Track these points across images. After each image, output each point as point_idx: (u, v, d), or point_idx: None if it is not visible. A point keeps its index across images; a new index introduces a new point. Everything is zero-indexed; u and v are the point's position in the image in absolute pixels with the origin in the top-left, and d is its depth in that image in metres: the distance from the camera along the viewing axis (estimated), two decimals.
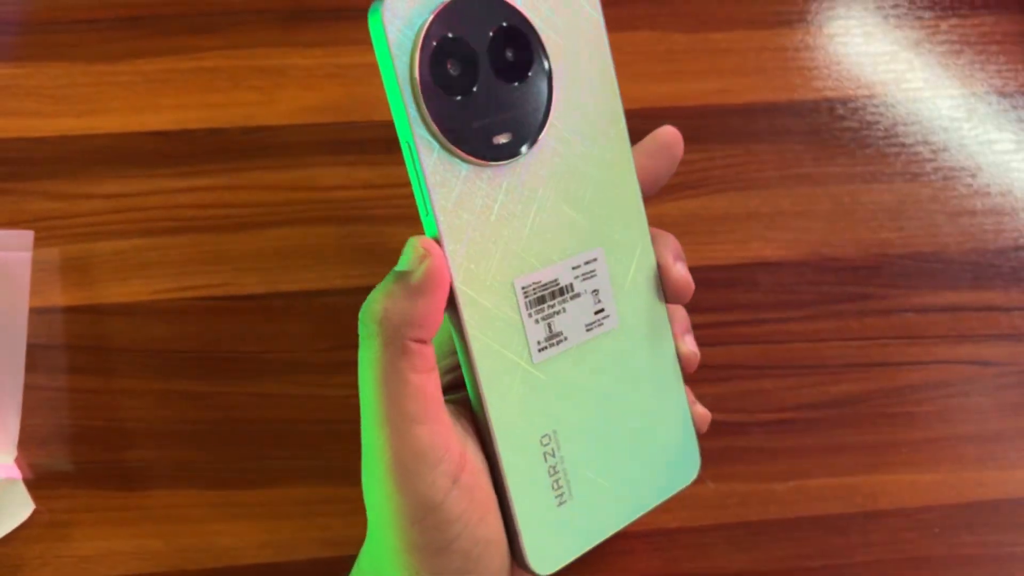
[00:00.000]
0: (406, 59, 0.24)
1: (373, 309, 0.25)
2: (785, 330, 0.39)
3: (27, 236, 0.37)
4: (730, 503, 0.37)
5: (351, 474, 0.36)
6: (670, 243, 0.30)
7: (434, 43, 0.24)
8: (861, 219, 0.41)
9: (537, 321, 0.27)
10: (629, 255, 0.29)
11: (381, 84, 0.40)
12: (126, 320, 0.37)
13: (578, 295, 0.28)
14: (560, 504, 0.28)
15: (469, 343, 0.26)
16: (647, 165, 0.30)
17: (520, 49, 0.26)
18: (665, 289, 0.30)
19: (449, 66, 0.25)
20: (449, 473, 0.26)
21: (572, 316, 0.28)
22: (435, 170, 0.25)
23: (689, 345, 0.31)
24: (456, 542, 0.26)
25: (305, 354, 0.38)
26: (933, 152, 0.42)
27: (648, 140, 0.30)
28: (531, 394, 0.27)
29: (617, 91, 0.28)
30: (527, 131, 0.26)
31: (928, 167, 0.42)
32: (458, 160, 0.25)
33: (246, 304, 0.38)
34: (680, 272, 0.30)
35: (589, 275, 0.28)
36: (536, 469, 0.28)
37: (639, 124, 0.41)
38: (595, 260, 0.28)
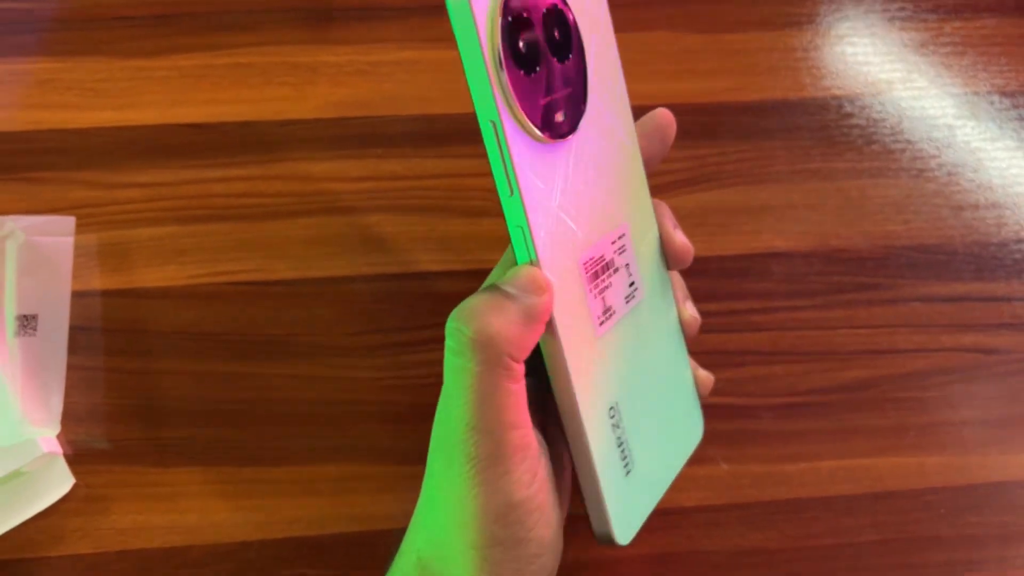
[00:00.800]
0: (488, 37, 0.24)
1: (483, 328, 0.25)
2: (796, 318, 0.40)
3: (69, 222, 0.38)
4: (743, 483, 0.38)
5: (377, 453, 0.38)
6: (666, 211, 0.32)
7: (509, 20, 0.24)
8: (868, 212, 0.42)
9: (595, 296, 0.28)
10: (644, 228, 0.31)
11: (405, 81, 0.42)
12: (162, 303, 0.39)
13: (617, 269, 0.29)
14: (627, 474, 0.29)
15: (555, 323, 0.26)
16: (643, 145, 0.31)
17: (565, 29, 0.27)
18: (668, 256, 0.32)
19: (520, 45, 0.25)
20: (532, 469, 0.27)
21: (616, 290, 0.29)
22: (519, 149, 0.25)
23: (691, 310, 0.33)
24: (534, 530, 0.27)
25: (333, 337, 0.39)
26: (937, 149, 0.43)
27: (645, 120, 0.32)
28: (599, 368, 0.28)
29: (621, 72, 0.30)
30: (576, 110, 0.27)
31: (932, 163, 0.43)
32: (533, 138, 0.25)
33: (277, 289, 0.39)
34: (681, 238, 0.32)
35: (622, 250, 0.29)
36: (609, 442, 0.28)
37: None
38: (624, 235, 0.30)
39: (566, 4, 0.27)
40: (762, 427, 0.39)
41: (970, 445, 0.39)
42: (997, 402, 0.40)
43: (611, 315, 0.29)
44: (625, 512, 0.29)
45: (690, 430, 0.34)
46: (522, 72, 0.25)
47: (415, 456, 0.33)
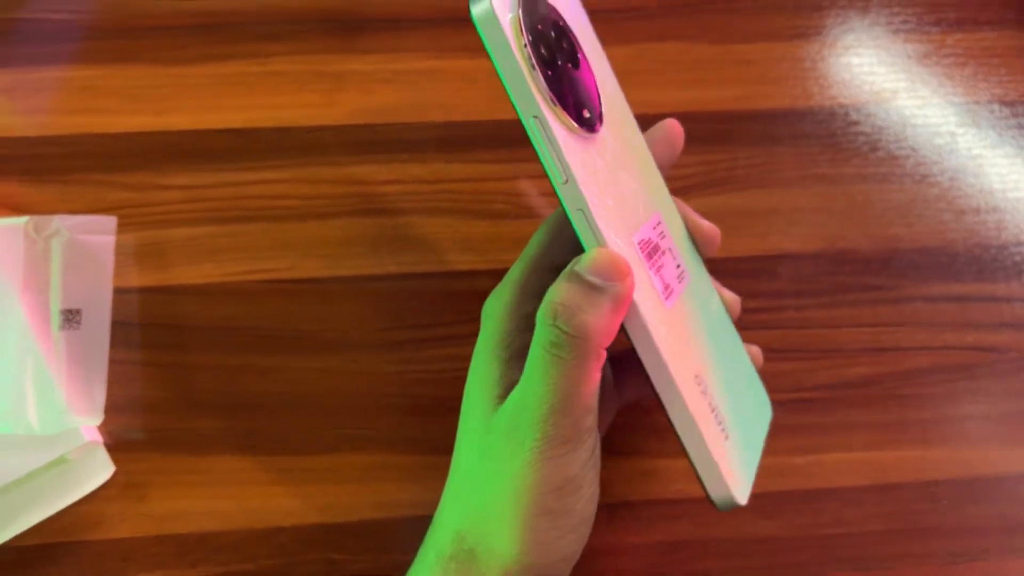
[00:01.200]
0: (517, 44, 0.26)
1: (581, 326, 0.27)
2: (803, 317, 0.42)
3: (111, 222, 0.40)
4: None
5: (402, 443, 0.39)
6: (683, 204, 0.34)
7: (532, 30, 0.27)
8: (873, 216, 0.44)
9: (654, 274, 0.30)
10: (672, 217, 0.33)
11: (429, 89, 0.44)
12: (198, 300, 0.40)
13: (664, 251, 0.31)
14: (726, 439, 0.30)
15: (635, 301, 0.28)
16: (653, 152, 0.33)
17: (568, 40, 0.29)
18: (698, 241, 0.33)
19: (542, 48, 0.27)
20: (591, 447, 0.29)
21: (668, 270, 0.30)
22: (565, 140, 0.27)
23: (729, 293, 0.35)
24: (580, 503, 0.29)
25: (361, 333, 0.41)
26: (940, 155, 0.45)
27: (655, 129, 0.34)
28: (676, 340, 0.29)
29: (615, 78, 0.32)
30: (595, 109, 0.29)
31: (935, 169, 0.45)
32: (570, 131, 0.27)
33: (308, 287, 0.41)
34: (707, 223, 0.34)
35: (663, 235, 0.31)
36: (705, 408, 0.29)
37: None
38: (660, 222, 0.31)
39: (565, 21, 0.29)
40: (771, 421, 0.40)
41: (971, 439, 0.41)
42: (997, 398, 0.41)
43: (671, 292, 0.30)
44: (736, 472, 0.30)
45: (762, 404, 0.35)
46: (549, 72, 0.27)
47: (439, 446, 0.35)
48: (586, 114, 0.28)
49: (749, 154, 0.44)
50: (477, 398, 0.31)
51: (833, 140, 0.45)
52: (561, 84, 0.27)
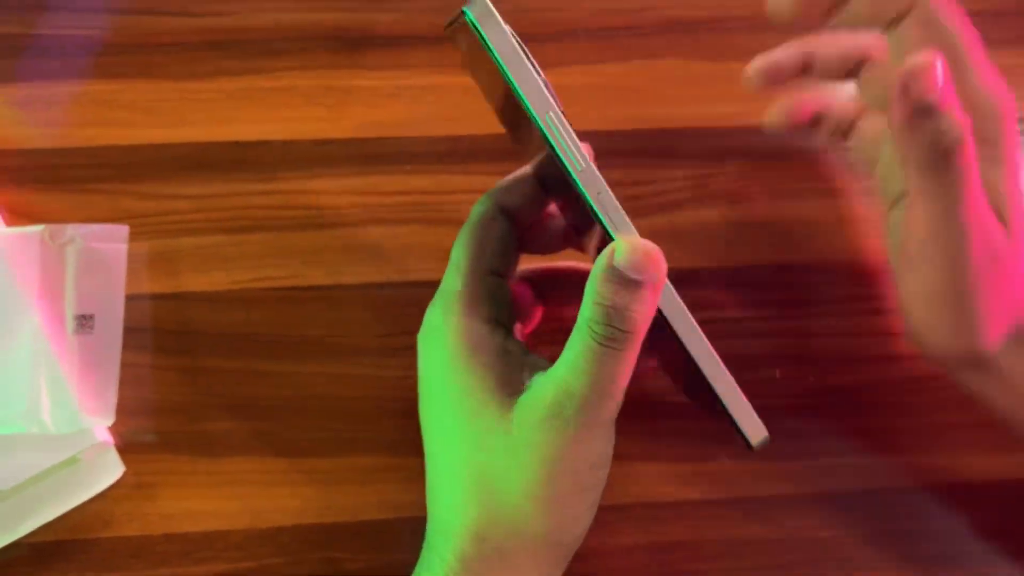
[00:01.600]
0: (524, 54, 0.28)
1: (636, 324, 0.29)
2: (794, 326, 0.43)
3: (123, 230, 0.41)
4: (744, 479, 0.41)
5: (404, 446, 0.40)
6: None
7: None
8: (863, 228, 0.45)
9: None
10: None
11: (432, 103, 0.45)
12: (207, 306, 0.42)
13: None
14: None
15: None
16: None
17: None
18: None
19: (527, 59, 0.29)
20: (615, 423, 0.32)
21: None
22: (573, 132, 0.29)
23: None
24: (606, 473, 0.32)
25: (364, 339, 0.42)
26: None
27: None
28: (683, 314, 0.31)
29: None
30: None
31: None
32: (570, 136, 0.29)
33: (312, 294, 0.42)
34: None
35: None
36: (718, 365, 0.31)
37: (662, 142, 0.46)
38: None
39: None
40: None
41: (958, 446, 0.42)
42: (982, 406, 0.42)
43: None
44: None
45: None
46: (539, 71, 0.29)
47: None
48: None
49: (743, 169, 0.45)
50: (473, 406, 0.32)
51: (825, 155, 0.46)
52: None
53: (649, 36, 0.47)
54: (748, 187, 0.45)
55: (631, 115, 0.46)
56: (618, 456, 0.40)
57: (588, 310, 0.29)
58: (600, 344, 0.29)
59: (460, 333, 0.33)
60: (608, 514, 0.40)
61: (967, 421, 0.42)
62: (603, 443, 0.31)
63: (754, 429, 0.31)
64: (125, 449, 0.40)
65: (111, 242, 0.41)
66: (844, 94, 0.41)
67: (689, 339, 0.30)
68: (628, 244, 0.28)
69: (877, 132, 0.39)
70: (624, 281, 0.28)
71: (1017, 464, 0.41)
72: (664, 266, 0.29)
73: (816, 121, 0.41)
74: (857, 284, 0.44)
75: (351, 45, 0.46)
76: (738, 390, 0.31)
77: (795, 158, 0.46)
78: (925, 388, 0.42)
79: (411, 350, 0.41)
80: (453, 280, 0.34)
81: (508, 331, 0.34)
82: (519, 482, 0.31)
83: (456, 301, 0.34)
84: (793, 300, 0.44)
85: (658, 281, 0.29)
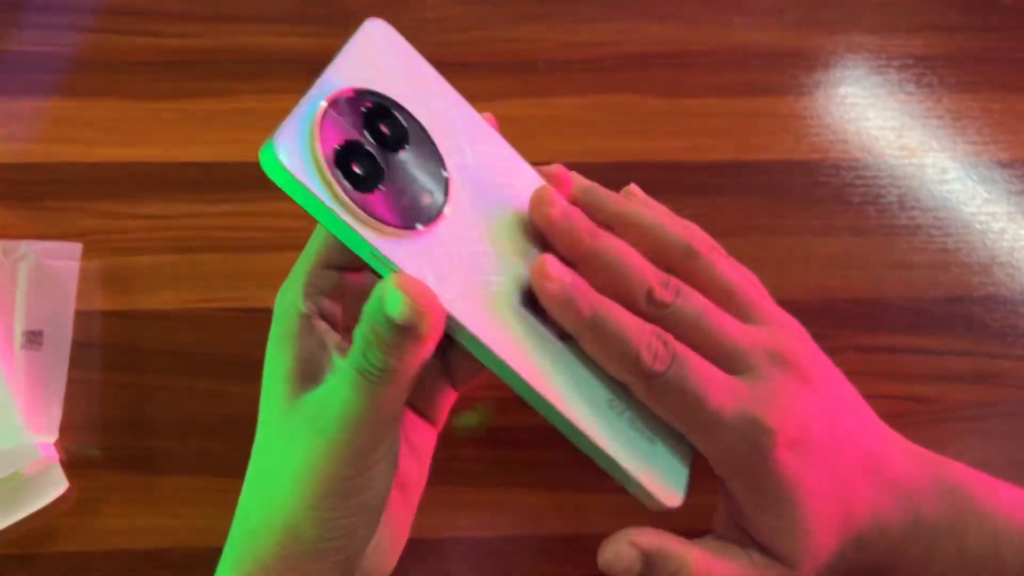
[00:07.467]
0: (321, 182, 0.27)
1: (387, 364, 0.27)
2: None
3: (76, 248, 0.42)
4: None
5: None
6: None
7: (334, 155, 0.27)
8: (811, 267, 0.45)
9: (545, 323, 0.30)
10: None
11: None
12: (158, 325, 0.42)
13: None
14: (652, 443, 0.31)
15: (512, 365, 0.29)
16: None
17: (389, 120, 0.29)
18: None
19: (355, 167, 0.27)
20: (388, 445, 0.30)
21: None
22: (396, 256, 0.27)
23: None
24: (369, 492, 0.30)
25: None
26: (878, 211, 0.47)
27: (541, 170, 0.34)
28: (576, 368, 0.30)
29: (478, 117, 0.32)
30: (439, 184, 0.30)
31: (872, 224, 0.46)
32: (407, 238, 0.28)
33: (264, 316, 0.42)
34: (550, 166, 0.34)
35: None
36: (618, 424, 0.30)
37: (617, 175, 0.46)
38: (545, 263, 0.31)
39: (384, 97, 0.29)
40: None
41: None
42: (923, 446, 0.43)
43: (566, 335, 0.30)
44: (662, 475, 0.31)
45: None
46: (368, 190, 0.27)
47: None
48: (426, 202, 0.29)
49: (693, 204, 0.46)
50: (275, 383, 0.32)
51: (774, 193, 0.46)
52: (388, 194, 0.28)
53: (606, 71, 0.48)
54: (699, 222, 0.45)
55: (586, 148, 0.46)
56: (551, 487, 0.41)
57: (356, 334, 0.28)
58: (355, 371, 0.28)
59: (288, 316, 0.32)
60: (550, 544, 0.40)
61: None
62: (363, 462, 0.29)
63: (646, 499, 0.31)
64: (70, 464, 0.40)
65: (64, 259, 0.42)
66: None
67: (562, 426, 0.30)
68: (395, 290, 0.26)
69: None
70: (387, 320, 0.27)
71: None
72: (435, 320, 0.27)
73: None
74: (812, 323, 0.44)
75: (311, 70, 0.46)
76: (620, 461, 0.30)
77: (748, 195, 0.46)
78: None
79: None
80: (301, 263, 0.33)
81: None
82: (281, 469, 0.30)
83: (295, 285, 0.33)
84: None
85: (425, 333, 0.27)
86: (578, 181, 0.34)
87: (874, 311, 0.45)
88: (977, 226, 0.47)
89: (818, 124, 0.48)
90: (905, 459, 0.35)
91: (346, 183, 0.27)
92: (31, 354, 0.40)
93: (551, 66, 0.48)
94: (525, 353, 0.30)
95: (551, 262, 0.29)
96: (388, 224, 0.27)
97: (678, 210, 0.46)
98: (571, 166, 0.46)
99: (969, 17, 0.52)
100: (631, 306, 0.30)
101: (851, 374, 0.43)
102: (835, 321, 0.45)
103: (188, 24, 0.47)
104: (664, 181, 0.46)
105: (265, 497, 0.32)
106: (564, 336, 0.31)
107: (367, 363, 0.27)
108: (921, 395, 0.44)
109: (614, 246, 0.31)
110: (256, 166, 0.45)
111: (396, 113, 0.29)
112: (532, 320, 0.30)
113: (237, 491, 0.40)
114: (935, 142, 0.48)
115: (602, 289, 0.30)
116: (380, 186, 0.28)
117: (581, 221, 0.31)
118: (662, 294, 0.31)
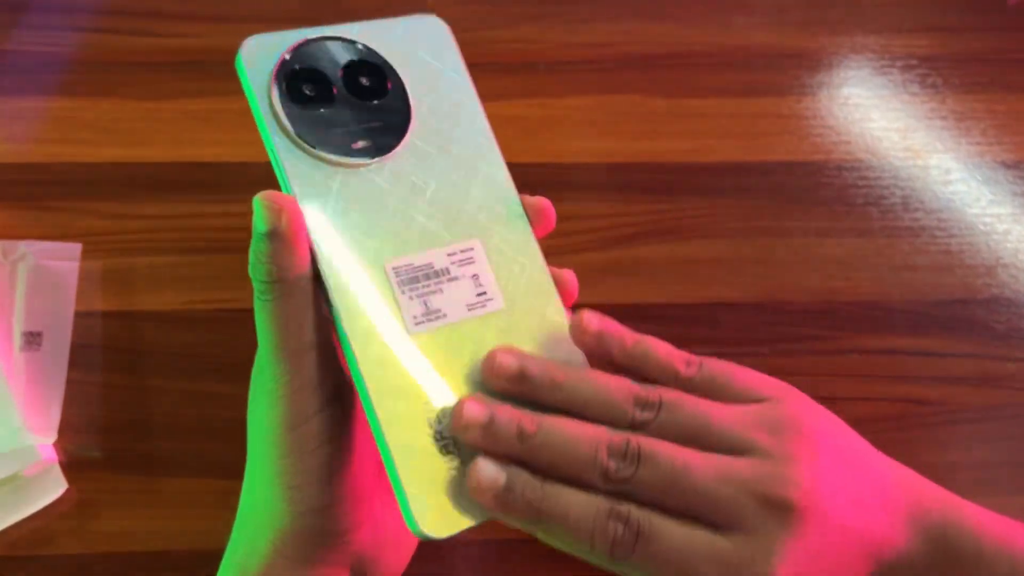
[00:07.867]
0: (263, 87, 0.31)
1: (268, 271, 0.29)
2: (756, 365, 0.43)
3: (75, 249, 0.42)
4: None
5: None
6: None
7: (290, 71, 0.31)
8: (814, 269, 0.45)
9: (412, 298, 0.30)
10: (512, 251, 0.32)
11: None
12: (158, 326, 0.42)
13: (455, 278, 0.31)
14: (453, 469, 0.29)
15: (342, 316, 0.29)
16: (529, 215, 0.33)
17: (372, 75, 0.32)
18: (531, 218, 0.33)
19: (305, 89, 0.31)
20: (318, 386, 0.30)
21: (450, 296, 0.31)
22: (296, 171, 0.30)
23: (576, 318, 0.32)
24: (314, 443, 0.30)
25: None
26: (881, 212, 0.47)
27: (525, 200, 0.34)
28: (408, 359, 0.29)
29: (480, 111, 0.33)
30: (385, 142, 0.31)
31: (875, 226, 0.46)
32: (320, 163, 0.30)
33: None
34: (536, 198, 0.33)
35: (466, 262, 0.32)
36: (420, 434, 0.29)
37: (617, 176, 0.46)
38: (471, 250, 0.32)
39: (379, 57, 0.32)
40: None
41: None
42: (925, 449, 0.43)
43: (438, 317, 0.30)
44: (441, 506, 0.28)
45: None
46: (307, 110, 0.30)
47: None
48: (359, 145, 0.31)
49: (696, 205, 0.46)
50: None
51: (777, 194, 0.46)
52: (321, 121, 0.31)
53: (608, 72, 0.47)
54: (700, 224, 0.45)
55: (587, 148, 0.46)
56: None
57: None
58: (256, 300, 0.29)
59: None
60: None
61: (907, 464, 0.42)
62: (299, 403, 0.29)
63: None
64: (69, 466, 0.40)
65: (63, 260, 0.41)
66: None
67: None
68: (262, 199, 0.29)
69: None
70: (259, 236, 0.29)
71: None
72: (291, 216, 0.28)
73: None
74: (802, 324, 0.44)
75: None
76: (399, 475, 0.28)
77: (750, 196, 0.46)
78: (868, 430, 0.42)
79: None
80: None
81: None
82: (252, 456, 0.32)
83: None
84: (739, 338, 0.44)
85: (283, 231, 0.28)
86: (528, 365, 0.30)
87: (877, 313, 0.45)
88: (981, 228, 0.47)
89: (821, 125, 0.48)
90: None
91: (285, 95, 0.30)
92: (31, 355, 0.40)
93: (551, 66, 0.48)
94: (361, 313, 0.30)
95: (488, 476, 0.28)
96: (305, 143, 0.30)
97: (681, 211, 0.46)
98: (571, 166, 0.46)
99: (973, 18, 0.51)
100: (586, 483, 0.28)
101: (854, 376, 0.44)
102: (838, 323, 0.44)
103: (188, 24, 0.47)
104: (666, 182, 0.46)
105: (250, 494, 0.32)
106: (418, 323, 0.30)
107: (257, 284, 0.29)
108: (924, 397, 0.43)
109: (559, 427, 0.29)
110: (256, 166, 0.45)
111: (387, 73, 0.32)
112: (388, 296, 0.30)
113: (237, 493, 0.40)
114: (939, 143, 0.48)
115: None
116: (322, 110, 0.31)
117: (526, 418, 0.29)
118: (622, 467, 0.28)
